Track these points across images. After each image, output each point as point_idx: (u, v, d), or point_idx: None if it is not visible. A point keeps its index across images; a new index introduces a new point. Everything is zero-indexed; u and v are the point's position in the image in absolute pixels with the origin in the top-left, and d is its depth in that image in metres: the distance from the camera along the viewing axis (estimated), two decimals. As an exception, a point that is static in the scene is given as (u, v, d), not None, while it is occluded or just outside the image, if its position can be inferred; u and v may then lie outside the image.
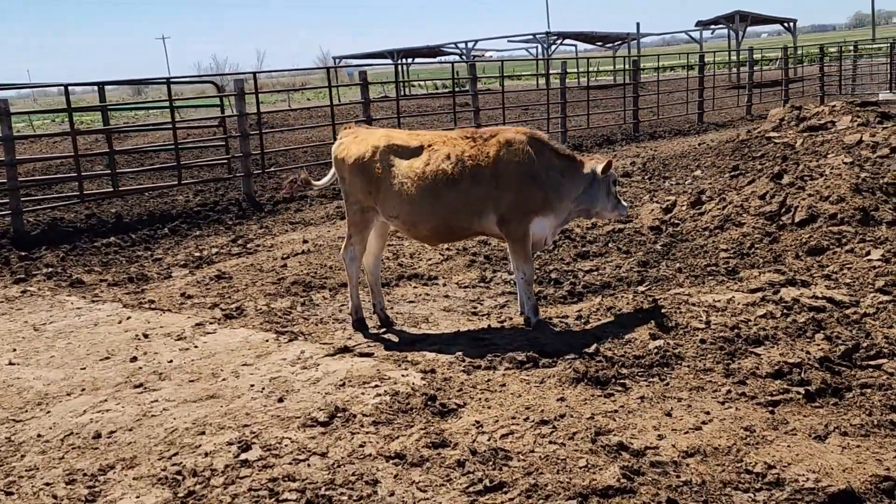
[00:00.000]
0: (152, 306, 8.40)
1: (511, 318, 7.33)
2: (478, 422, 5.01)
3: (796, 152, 13.04)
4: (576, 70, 41.40)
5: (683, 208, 10.48)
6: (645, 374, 5.53)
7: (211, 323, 7.68)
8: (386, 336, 7.05)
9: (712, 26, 49.86)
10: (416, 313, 7.74)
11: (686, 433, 4.65)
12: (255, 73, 16.32)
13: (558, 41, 53.56)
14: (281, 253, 10.53)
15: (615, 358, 5.80)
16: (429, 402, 5.32)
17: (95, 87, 14.81)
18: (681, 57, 48.57)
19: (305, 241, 11.15)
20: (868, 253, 7.78)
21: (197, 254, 10.98)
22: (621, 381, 5.44)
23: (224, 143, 16.28)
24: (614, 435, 4.68)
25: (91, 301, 8.79)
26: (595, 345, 6.06)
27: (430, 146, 6.75)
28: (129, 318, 8.04)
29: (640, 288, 7.88)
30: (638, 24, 50.09)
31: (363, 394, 5.67)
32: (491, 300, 8.07)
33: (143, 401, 5.87)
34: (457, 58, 53.50)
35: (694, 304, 6.88)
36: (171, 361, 6.67)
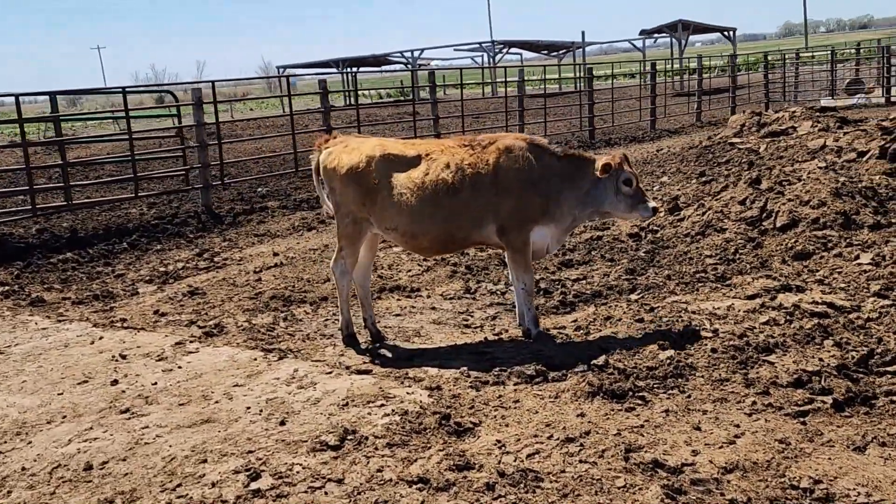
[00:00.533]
0: (125, 325, 8.00)
1: (507, 330, 7.13)
2: (499, 441, 4.79)
3: (761, 157, 13.11)
4: (528, 78, 41.54)
5: (661, 215, 10.41)
6: (662, 386, 5.37)
7: (191, 341, 7.32)
8: (380, 351, 6.79)
9: (655, 35, 50.59)
10: (405, 327, 7.49)
11: (720, 448, 4.49)
12: (213, 83, 15.88)
13: (504, 50, 53.77)
14: (252, 266, 10.18)
15: (627, 370, 5.63)
16: (443, 422, 5.08)
17: (34, 98, 14.26)
18: (627, 65, 49.12)
19: (276, 254, 10.81)
20: (857, 257, 7.76)
21: (162, 269, 10.56)
22: (639, 393, 5.27)
23: (181, 153, 15.78)
24: (646, 451, 4.50)
25: (57, 321, 8.34)
26: (603, 356, 5.88)
27: (427, 155, 6.52)
28: (101, 338, 7.62)
29: (633, 296, 7.76)
30: (583, 33, 50.59)
31: (370, 414, 5.41)
32: (481, 312, 7.85)
33: (133, 427, 5.51)
34: (403, 66, 53.40)
35: (694, 313, 6.76)
36: (155, 384, 6.31)
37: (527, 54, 58.27)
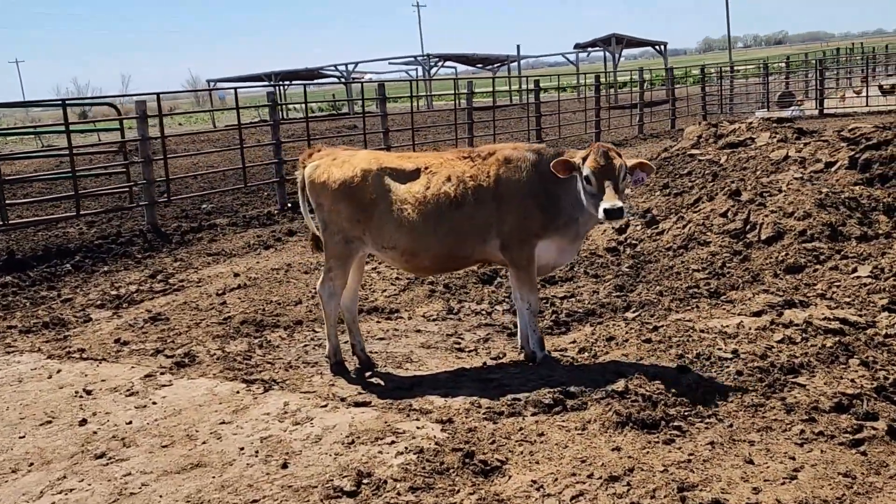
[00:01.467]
0: (83, 356, 7.34)
1: (504, 354, 6.72)
2: (534, 481, 4.36)
3: (724, 169, 12.96)
4: (457, 91, 41.32)
5: (638, 228, 10.15)
6: (694, 414, 5.02)
7: (162, 373, 6.72)
8: (374, 380, 6.30)
9: (589, 49, 51.03)
10: (393, 352, 7.02)
11: (782, 484, 4.14)
12: (158, 95, 15.12)
13: (439, 63, 53.58)
14: (214, 289, 9.56)
15: (652, 396, 5.26)
16: (466, 460, 4.63)
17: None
18: (570, 78, 49.35)
19: (237, 275, 10.19)
20: (855, 270, 7.58)
21: (114, 292, 9.85)
22: (674, 423, 4.90)
23: (125, 169, 15.00)
24: (701, 490, 4.12)
25: (5, 352, 7.63)
26: (622, 382, 5.50)
27: (427, 168, 6.08)
28: (59, 371, 6.96)
29: (629, 314, 7.43)
30: (518, 47, 50.72)
31: (381, 453, 4.92)
32: (470, 334, 7.43)
33: (113, 475, 4.92)
34: (336, 80, 52.75)
35: (702, 331, 6.45)
36: (130, 423, 5.71)
37: (461, 67, 58.20)
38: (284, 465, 4.85)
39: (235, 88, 16.67)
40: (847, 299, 6.97)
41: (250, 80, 55.90)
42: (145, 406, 6.01)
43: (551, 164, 5.91)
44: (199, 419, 5.68)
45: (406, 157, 6.28)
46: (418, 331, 7.63)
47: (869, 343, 5.90)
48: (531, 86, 26.08)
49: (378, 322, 7.92)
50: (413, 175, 6.10)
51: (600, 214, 5.68)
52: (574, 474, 4.39)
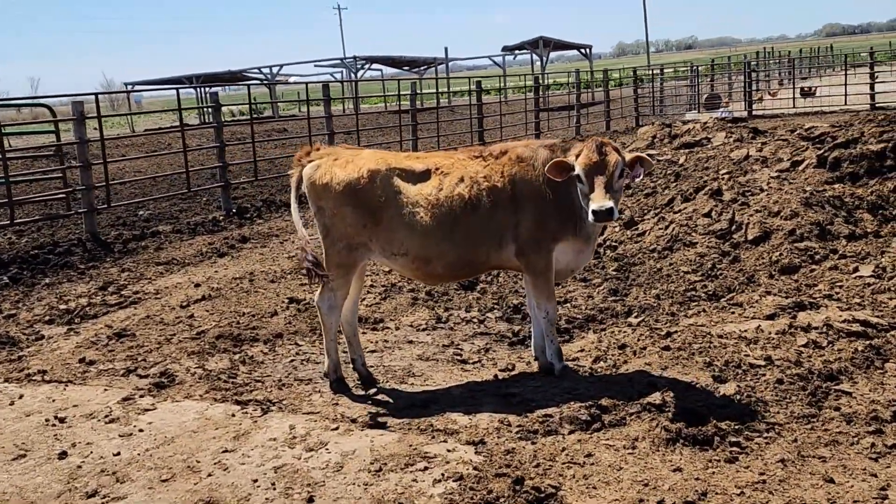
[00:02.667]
0: (46, 378, 6.65)
1: (514, 366, 6.31)
2: (600, 509, 3.98)
3: (685, 169, 12.84)
4: (385, 94, 40.85)
5: (617, 230, 9.89)
6: (748, 427, 4.70)
7: (141, 395, 6.11)
8: (380, 398, 5.83)
9: (517, 51, 51.09)
10: (391, 365, 6.56)
11: (874, 504, 3.85)
12: (97, 95, 14.25)
13: (366, 65, 52.92)
14: (176, 301, 8.90)
15: (696, 409, 4.93)
16: (516, 487, 4.22)
17: None
18: (511, 80, 49.31)
19: (197, 285, 9.55)
20: (856, 269, 7.43)
21: (63, 306, 9.09)
22: (730, 439, 4.57)
23: (61, 175, 14.10)
24: (788, 513, 3.80)
25: (-47, 376, 6.88)
26: (658, 394, 5.16)
27: (438, 169, 5.64)
28: (20, 396, 6.27)
29: (632, 319, 7.13)
30: (446, 49, 50.45)
31: (416, 481, 4.47)
32: (468, 344, 7.01)
33: (112, 517, 4.35)
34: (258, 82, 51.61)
35: (720, 336, 6.17)
36: (118, 454, 5.12)
37: (388, 70, 57.64)
38: (310, 500, 4.35)
39: (178, 89, 15.84)
40: (857, 300, 6.79)
41: (170, 83, 54.23)
42: (131, 434, 5.42)
43: (546, 168, 5.53)
44: (198, 447, 5.13)
45: (414, 157, 5.83)
46: (410, 342, 7.19)
47: (899, 346, 5.69)
48: (466, 87, 25.76)
49: (364, 333, 7.42)
50: (423, 176, 5.65)
51: (589, 216, 5.33)
52: (643, 500, 4.02)
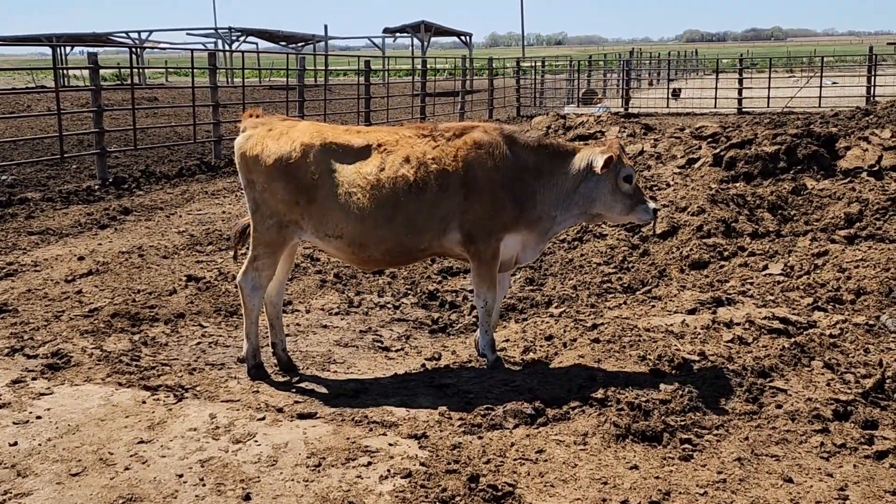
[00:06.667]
0: (-84, 357, 5.96)
1: (440, 355, 6.07)
2: (564, 509, 3.81)
3: (582, 161, 12.99)
4: (260, 67, 39.73)
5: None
6: (695, 424, 4.64)
7: (34, 378, 5.53)
8: (303, 386, 5.48)
9: (398, 34, 50.69)
10: (308, 351, 6.22)
11: (835, 506, 3.83)
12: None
13: (241, 37, 51.24)
14: (59, 274, 8.19)
15: (641, 404, 4.82)
16: (471, 485, 4.00)
17: None
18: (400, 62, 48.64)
19: (81, 258, 8.82)
20: (766, 267, 7.59)
21: (-75, 276, 8.24)
22: (680, 436, 4.49)
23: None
24: (756, 514, 3.74)
25: None
26: (600, 389, 5.02)
27: (380, 146, 5.29)
28: None
29: (553, 310, 7.03)
30: (326, 27, 49.48)
31: (361, 478, 4.18)
32: (386, 331, 6.75)
33: (18, 517, 3.86)
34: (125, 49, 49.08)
35: (647, 330, 6.12)
36: (15, 444, 4.58)
37: (263, 44, 55.98)
38: (247, 498, 3.99)
39: (54, 47, 14.69)
40: (770, 297, 6.91)
41: (27, 42, 50.88)
42: (27, 421, 4.87)
43: (606, 157, 5.45)
44: (108, 437, 4.65)
45: (355, 132, 5.46)
46: (325, 326, 6.85)
47: (822, 344, 5.78)
48: (347, 67, 25.26)
49: (272, 316, 7.03)
50: (363, 153, 5.30)
51: (649, 214, 5.58)
52: (605, 500, 3.88)
